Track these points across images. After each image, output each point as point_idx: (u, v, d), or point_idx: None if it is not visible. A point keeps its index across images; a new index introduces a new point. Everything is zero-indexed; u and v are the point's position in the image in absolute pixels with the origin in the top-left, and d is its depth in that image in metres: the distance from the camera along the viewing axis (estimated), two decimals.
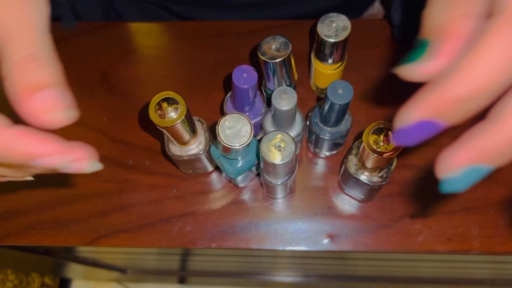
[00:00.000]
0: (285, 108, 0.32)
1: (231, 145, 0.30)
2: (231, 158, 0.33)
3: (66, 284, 1.08)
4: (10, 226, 0.39)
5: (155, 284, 1.09)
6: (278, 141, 0.30)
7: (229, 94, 0.36)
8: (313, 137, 0.37)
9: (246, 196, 0.40)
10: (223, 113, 0.40)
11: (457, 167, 0.18)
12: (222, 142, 0.30)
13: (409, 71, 0.20)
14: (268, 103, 0.37)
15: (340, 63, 0.37)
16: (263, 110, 0.36)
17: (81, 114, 0.44)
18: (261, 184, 0.40)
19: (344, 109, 0.32)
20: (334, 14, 0.34)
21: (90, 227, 0.39)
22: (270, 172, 0.33)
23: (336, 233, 0.38)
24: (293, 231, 0.38)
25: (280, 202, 0.39)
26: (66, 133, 0.42)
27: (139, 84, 0.44)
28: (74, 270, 0.92)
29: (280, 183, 0.34)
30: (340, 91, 0.31)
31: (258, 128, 0.38)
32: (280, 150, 0.30)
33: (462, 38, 0.18)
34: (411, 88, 0.42)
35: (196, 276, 0.96)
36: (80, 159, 0.24)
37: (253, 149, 0.34)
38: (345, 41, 0.34)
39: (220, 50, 0.45)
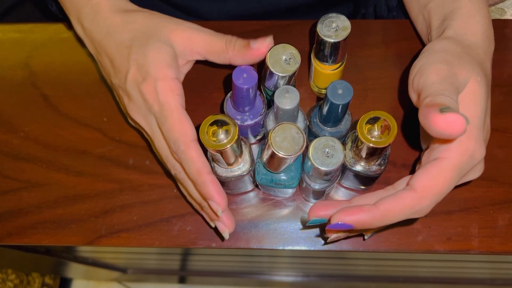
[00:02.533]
0: (287, 107, 0.32)
1: (297, 153, 0.30)
2: (284, 171, 0.34)
3: (66, 284, 1.09)
4: (11, 226, 0.39)
5: (156, 283, 1.09)
6: (328, 148, 0.31)
7: (229, 94, 0.36)
8: (313, 137, 0.37)
9: (246, 196, 0.40)
10: (223, 113, 0.40)
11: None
12: (289, 157, 0.30)
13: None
14: (268, 103, 0.37)
15: (340, 63, 0.37)
16: (263, 110, 0.36)
17: (81, 114, 0.44)
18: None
19: (343, 109, 0.32)
20: (334, 14, 0.34)
21: (91, 226, 0.39)
22: (312, 176, 0.33)
23: None
24: (293, 230, 0.38)
25: (280, 201, 0.39)
26: (67, 133, 0.42)
27: None
28: (74, 270, 0.92)
29: (317, 188, 0.34)
30: (339, 91, 0.31)
31: (259, 128, 0.38)
32: (328, 157, 0.30)
33: None
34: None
35: (197, 275, 0.96)
36: (226, 227, 0.34)
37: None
38: (345, 41, 0.34)
39: None
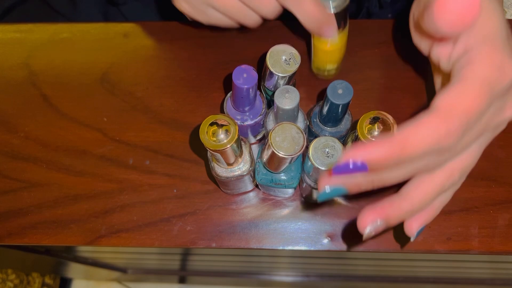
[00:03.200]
0: (287, 107, 0.32)
1: (297, 153, 0.30)
2: (284, 171, 0.34)
3: (66, 284, 1.08)
4: (11, 226, 0.39)
5: (156, 283, 1.09)
6: (328, 148, 0.30)
7: (229, 94, 0.36)
8: (313, 137, 0.37)
9: (246, 196, 0.40)
10: (223, 113, 0.40)
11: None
12: (289, 157, 0.30)
13: None
14: (268, 103, 0.37)
15: (341, 30, 0.36)
16: (263, 110, 0.36)
17: (81, 114, 0.44)
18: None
19: (344, 109, 0.32)
20: None
21: (91, 226, 0.39)
22: (312, 176, 0.33)
23: (336, 233, 0.38)
24: (293, 230, 0.38)
25: (280, 202, 0.39)
26: (67, 133, 0.42)
27: (139, 84, 0.44)
28: (74, 270, 0.92)
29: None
30: (340, 91, 0.31)
31: (259, 128, 0.38)
32: (328, 157, 0.30)
33: None
34: (411, 88, 0.42)
35: (197, 275, 0.96)
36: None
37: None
38: (345, 10, 0.33)
39: (220, 50, 0.45)
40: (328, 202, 0.39)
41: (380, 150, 0.23)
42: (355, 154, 0.23)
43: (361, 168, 0.23)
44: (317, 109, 0.36)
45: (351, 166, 0.23)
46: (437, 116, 0.23)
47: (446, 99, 0.23)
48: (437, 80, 0.33)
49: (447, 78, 0.28)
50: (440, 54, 0.28)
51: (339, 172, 0.24)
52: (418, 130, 0.23)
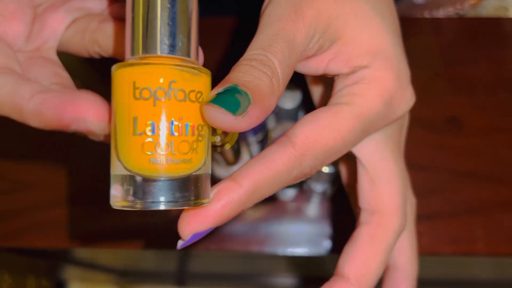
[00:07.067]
0: (288, 107, 0.31)
1: None
2: None
3: (62, 286, 1.08)
4: (6, 228, 0.39)
5: (153, 286, 1.08)
6: None
7: None
8: None
9: None
10: None
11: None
12: None
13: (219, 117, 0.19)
14: None
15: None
16: None
17: None
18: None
19: None
20: None
21: (87, 228, 0.38)
22: (313, 177, 0.32)
23: (337, 235, 0.37)
24: (293, 233, 0.37)
25: (280, 203, 0.39)
26: (64, 132, 0.41)
27: None
28: (70, 272, 0.91)
29: (318, 189, 0.34)
30: None
31: (259, 128, 0.37)
32: None
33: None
34: (412, 87, 0.41)
35: (195, 278, 0.96)
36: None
37: None
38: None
39: (218, 49, 0.44)
40: (328, 203, 0.38)
41: (222, 212, 0.20)
42: (193, 228, 0.19)
43: (207, 231, 0.20)
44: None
45: (196, 235, 0.20)
46: (291, 154, 0.21)
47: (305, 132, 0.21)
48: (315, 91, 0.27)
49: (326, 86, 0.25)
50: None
51: (187, 245, 0.20)
52: (269, 170, 0.21)
